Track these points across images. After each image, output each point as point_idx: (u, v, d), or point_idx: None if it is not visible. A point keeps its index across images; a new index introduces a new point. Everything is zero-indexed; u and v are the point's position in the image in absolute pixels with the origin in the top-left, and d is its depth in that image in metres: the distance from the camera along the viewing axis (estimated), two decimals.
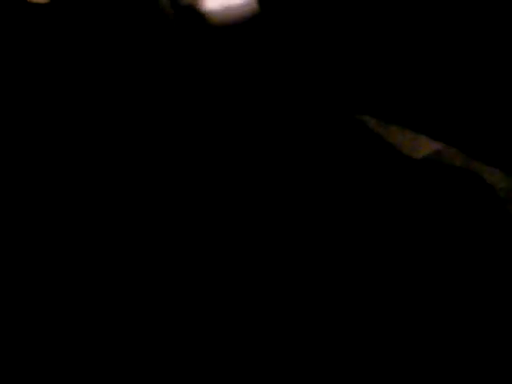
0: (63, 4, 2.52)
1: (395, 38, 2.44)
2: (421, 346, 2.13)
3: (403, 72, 2.45)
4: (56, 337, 2.10)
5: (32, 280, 2.21)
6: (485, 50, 2.49)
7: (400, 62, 2.45)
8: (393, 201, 2.23)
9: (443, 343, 2.13)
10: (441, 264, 2.20)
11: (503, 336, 2.12)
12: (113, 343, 2.09)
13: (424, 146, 2.32)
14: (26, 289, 2.19)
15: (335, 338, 2.14)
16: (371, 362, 2.09)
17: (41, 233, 2.32)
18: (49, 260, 2.25)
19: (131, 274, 2.24)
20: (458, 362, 2.09)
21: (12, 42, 2.60)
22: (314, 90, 2.32)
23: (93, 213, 2.36)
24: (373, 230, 2.25)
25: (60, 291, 2.19)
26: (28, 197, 2.40)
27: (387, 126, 2.26)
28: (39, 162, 2.51)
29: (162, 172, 2.46)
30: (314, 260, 2.27)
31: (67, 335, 2.10)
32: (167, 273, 2.24)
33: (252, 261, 2.26)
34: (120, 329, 2.12)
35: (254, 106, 2.43)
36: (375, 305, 2.18)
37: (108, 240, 2.30)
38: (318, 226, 2.29)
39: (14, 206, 2.38)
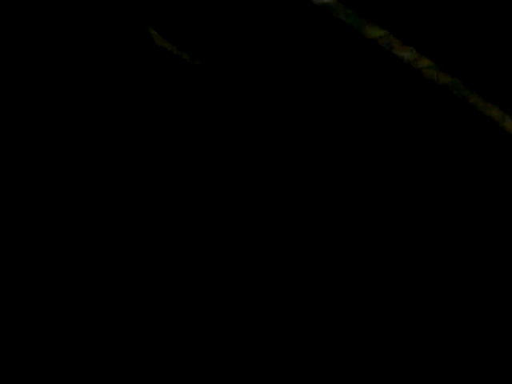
0: None
1: None
2: (420, 345, 2.13)
3: None
4: (56, 336, 2.10)
5: (32, 279, 2.20)
6: None
7: None
8: None
9: (443, 341, 2.13)
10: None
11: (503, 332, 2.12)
12: (113, 343, 2.09)
13: None
14: (25, 288, 2.18)
15: (334, 338, 2.14)
16: (371, 362, 2.09)
17: (41, 232, 2.31)
18: (49, 259, 2.25)
19: (131, 273, 2.23)
20: (457, 361, 2.10)
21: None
22: None
23: (92, 212, 2.36)
24: None
25: (60, 289, 2.18)
26: (28, 196, 2.40)
27: None
28: (38, 163, 2.50)
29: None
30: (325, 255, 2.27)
31: (67, 335, 2.10)
32: (167, 272, 2.23)
33: (252, 260, 2.26)
34: (120, 328, 2.12)
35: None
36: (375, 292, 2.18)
37: (108, 239, 2.30)
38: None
39: (14, 205, 2.37)
